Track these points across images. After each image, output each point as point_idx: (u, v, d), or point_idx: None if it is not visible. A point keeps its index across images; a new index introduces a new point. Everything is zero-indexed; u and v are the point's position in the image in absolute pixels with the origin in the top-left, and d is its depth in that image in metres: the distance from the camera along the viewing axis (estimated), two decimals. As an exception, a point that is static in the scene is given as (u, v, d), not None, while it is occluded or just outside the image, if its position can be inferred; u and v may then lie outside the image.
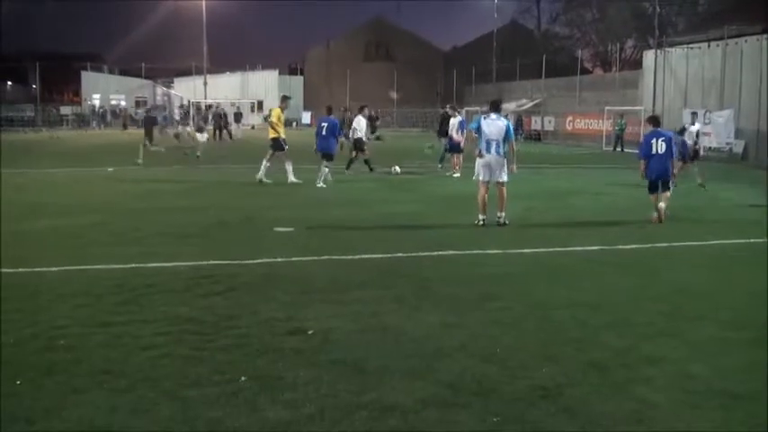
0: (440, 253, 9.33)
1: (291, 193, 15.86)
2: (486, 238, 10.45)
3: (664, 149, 12.08)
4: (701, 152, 19.75)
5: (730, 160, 28.31)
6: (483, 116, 12.04)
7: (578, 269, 8.59)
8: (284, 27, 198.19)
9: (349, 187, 17.10)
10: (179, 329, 5.92)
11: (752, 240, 10.68)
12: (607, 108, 38.44)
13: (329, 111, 18.64)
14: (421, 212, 13.20)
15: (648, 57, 37.85)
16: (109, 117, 59.55)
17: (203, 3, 61.83)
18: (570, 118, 44.08)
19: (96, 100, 63.93)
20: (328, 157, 17.29)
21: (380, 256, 9.12)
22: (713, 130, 29.54)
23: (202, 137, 26.08)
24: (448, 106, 23.72)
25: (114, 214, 12.34)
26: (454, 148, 20.37)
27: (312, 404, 4.46)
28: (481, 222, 11.46)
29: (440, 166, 21.54)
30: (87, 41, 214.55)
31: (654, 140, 12.19)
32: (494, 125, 11.56)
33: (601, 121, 39.56)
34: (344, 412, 4.36)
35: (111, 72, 71.49)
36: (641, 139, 14.11)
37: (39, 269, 8.04)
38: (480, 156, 11.63)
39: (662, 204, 12.06)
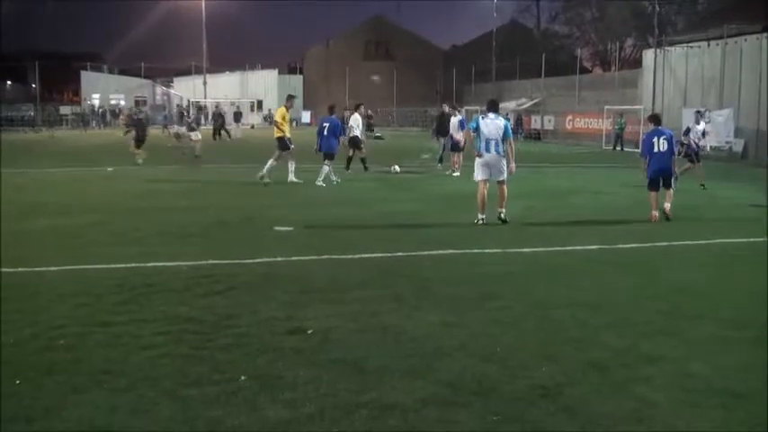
0: (440, 252, 9.33)
1: (291, 193, 15.86)
2: (485, 238, 10.44)
3: (665, 148, 12.11)
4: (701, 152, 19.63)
5: (730, 159, 28.31)
6: (481, 116, 12.04)
7: (578, 268, 8.59)
8: (284, 26, 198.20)
9: (349, 186, 17.09)
10: (179, 329, 5.92)
11: (752, 239, 10.68)
12: (607, 107, 38.42)
13: (331, 110, 18.60)
14: (421, 211, 13.20)
15: (648, 56, 37.85)
16: (108, 117, 59.52)
17: (203, 2, 61.87)
18: (570, 117, 44.06)
19: (96, 99, 63.95)
20: (330, 156, 17.28)
21: (380, 255, 9.12)
22: (713, 129, 29.51)
23: (196, 136, 25.80)
24: (445, 105, 23.70)
25: (114, 214, 12.34)
26: (455, 146, 20.39)
27: (312, 403, 4.46)
28: (481, 221, 11.47)
29: (439, 165, 21.55)
30: (87, 41, 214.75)
31: (655, 139, 12.21)
32: (492, 125, 11.56)
33: (600, 120, 39.54)
34: (344, 411, 4.36)
35: (110, 72, 71.54)
36: (642, 137, 14.09)
37: (38, 269, 8.04)
38: (479, 155, 11.64)
39: (667, 205, 12.10)
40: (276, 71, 70.18)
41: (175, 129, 31.81)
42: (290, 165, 17.49)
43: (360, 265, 8.62)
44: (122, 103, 64.13)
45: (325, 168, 17.10)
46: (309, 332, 5.88)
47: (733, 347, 5.69)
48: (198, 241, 9.97)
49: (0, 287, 7.07)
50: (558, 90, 47.99)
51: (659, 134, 12.29)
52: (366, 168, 20.54)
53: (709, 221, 12.59)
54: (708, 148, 20.70)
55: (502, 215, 11.63)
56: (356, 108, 21.43)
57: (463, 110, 27.26)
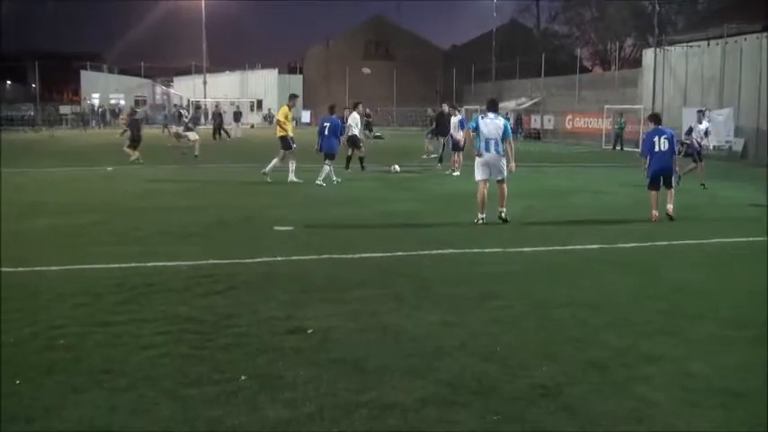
0: (440, 252, 9.33)
1: (291, 192, 15.86)
2: (485, 237, 10.44)
3: (666, 147, 12.13)
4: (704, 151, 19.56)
5: (730, 158, 28.31)
6: (481, 115, 12.05)
7: (578, 268, 8.59)
8: (283, 26, 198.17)
9: (349, 186, 17.09)
10: (179, 329, 5.92)
11: (752, 239, 10.68)
12: (606, 107, 38.42)
13: (331, 110, 18.54)
14: (421, 211, 13.20)
15: (648, 55, 37.84)
16: (108, 116, 59.52)
17: (202, 2, 61.87)
18: (570, 116, 44.05)
19: (96, 99, 63.93)
20: (331, 156, 17.28)
21: (380, 254, 9.12)
22: (713, 128, 29.52)
23: (193, 136, 25.57)
24: (445, 105, 23.70)
25: (114, 213, 12.34)
26: (455, 146, 20.41)
27: (312, 403, 4.46)
28: (481, 221, 11.47)
29: (439, 165, 21.56)
30: (87, 41, 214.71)
31: (656, 138, 12.22)
32: (492, 124, 11.57)
33: (600, 119, 39.54)
34: (344, 411, 4.36)
35: (110, 71, 71.52)
36: (643, 136, 14.09)
37: (38, 268, 8.05)
38: (479, 155, 11.65)
39: (670, 206, 12.13)
40: (276, 71, 70.13)
41: (174, 129, 31.62)
42: (290, 164, 17.49)
43: (360, 264, 8.62)
44: (122, 102, 64.14)
45: (326, 168, 17.10)
46: (309, 332, 5.88)
47: (733, 347, 5.69)
48: (198, 241, 9.97)
49: (0, 287, 7.07)
50: (558, 89, 48.00)
51: (660, 133, 12.29)
52: (363, 168, 20.52)
53: (709, 221, 12.59)
54: (711, 148, 20.62)
55: (503, 215, 11.64)
56: (354, 107, 21.36)
57: (463, 109, 27.30)
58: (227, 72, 70.24)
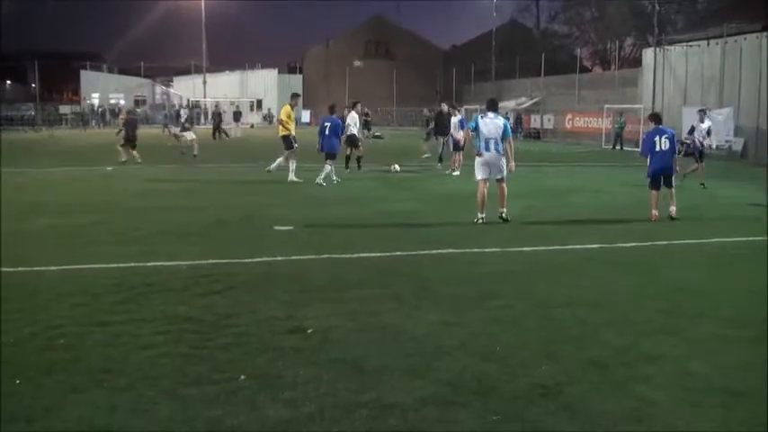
0: (439, 251, 9.32)
1: (291, 192, 15.86)
2: (485, 237, 10.44)
3: (667, 146, 12.15)
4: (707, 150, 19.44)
5: (730, 158, 28.29)
6: (480, 115, 12.05)
7: (578, 267, 8.58)
8: (283, 26, 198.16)
9: (349, 186, 17.09)
10: (178, 328, 5.92)
11: (752, 238, 10.68)
12: (606, 106, 38.42)
13: (332, 110, 18.47)
14: (420, 211, 13.19)
15: (648, 55, 37.84)
16: (108, 116, 59.53)
17: (202, 2, 61.87)
18: (569, 116, 44.06)
19: (95, 99, 63.94)
20: (332, 156, 17.27)
21: (380, 254, 9.12)
22: (712, 127, 29.50)
23: (190, 136, 25.39)
24: (444, 104, 23.70)
25: (114, 213, 12.33)
26: (456, 146, 20.42)
27: (312, 403, 4.45)
28: (481, 221, 11.47)
29: (439, 164, 21.56)
30: (87, 40, 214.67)
31: (657, 138, 12.23)
32: (491, 124, 11.58)
33: (600, 119, 39.55)
34: (344, 411, 4.35)
35: (110, 71, 71.53)
36: (643, 136, 14.10)
37: (38, 268, 8.04)
38: (479, 155, 11.66)
39: (672, 208, 12.17)
40: (276, 71, 70.14)
41: (173, 129, 31.47)
42: (291, 164, 17.50)
43: (359, 264, 8.62)
44: (122, 102, 64.16)
45: (328, 167, 17.09)
46: (309, 331, 5.88)
47: (733, 346, 5.69)
48: (197, 240, 9.97)
49: (0, 286, 7.07)
50: (558, 89, 48.00)
51: (661, 133, 12.30)
52: (360, 167, 20.48)
53: (709, 220, 12.59)
54: (713, 147, 20.53)
55: (503, 215, 11.66)
56: (353, 106, 21.30)
57: (462, 109, 27.30)
58: (227, 72, 70.27)
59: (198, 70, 65.17)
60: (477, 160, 11.72)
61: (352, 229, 11.23)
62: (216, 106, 51.98)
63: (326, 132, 17.29)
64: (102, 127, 55.63)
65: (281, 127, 17.77)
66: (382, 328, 6.02)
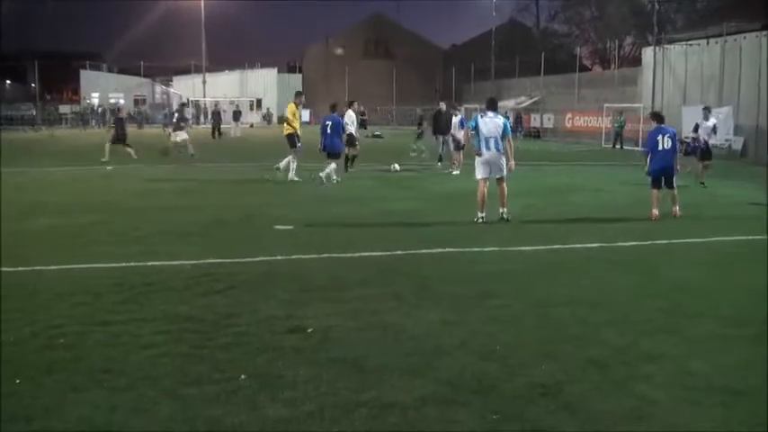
0: (439, 250, 9.32)
1: (291, 191, 15.86)
2: (485, 236, 10.44)
3: (669, 145, 12.18)
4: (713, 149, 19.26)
5: (729, 157, 28.28)
6: (480, 114, 12.06)
7: (578, 266, 8.58)
8: (283, 25, 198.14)
9: (348, 185, 17.09)
10: (179, 328, 5.92)
11: (752, 237, 10.68)
12: (606, 105, 38.43)
13: (333, 108, 18.40)
14: (420, 210, 13.19)
15: (647, 54, 37.85)
16: (108, 115, 59.48)
17: (202, 2, 61.86)
18: (569, 115, 44.08)
19: (95, 98, 63.94)
20: (335, 155, 17.25)
21: (380, 253, 9.12)
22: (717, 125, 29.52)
23: (183, 135, 24.79)
24: (442, 103, 23.71)
25: (114, 213, 12.33)
26: (457, 145, 20.45)
27: (312, 402, 4.46)
28: (481, 220, 11.47)
29: (439, 163, 21.58)
30: (86, 40, 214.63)
31: (660, 137, 12.25)
32: (491, 123, 11.59)
33: (600, 118, 39.55)
34: (344, 410, 4.36)
35: (110, 70, 71.55)
36: (645, 135, 14.12)
37: (38, 268, 8.04)
38: (479, 154, 11.67)
39: (675, 208, 12.19)
40: (275, 70, 70.11)
41: (168, 129, 31.23)
42: (291, 163, 17.50)
43: (359, 263, 8.62)
44: (122, 101, 64.13)
45: (333, 165, 17.11)
46: (309, 331, 5.88)
47: (733, 345, 5.69)
48: (198, 240, 9.97)
49: (0, 286, 7.07)
50: (558, 88, 48.01)
51: (663, 132, 12.33)
52: (352, 166, 20.31)
53: (709, 219, 12.58)
54: (718, 144, 20.38)
55: (504, 215, 11.68)
56: (350, 105, 21.17)
57: (462, 108, 27.35)
58: (227, 71, 70.25)
59: (198, 70, 65.17)
60: (478, 159, 11.73)
61: (352, 229, 11.23)
62: (216, 105, 51.93)
63: (328, 131, 17.25)
64: (102, 126, 55.59)
65: (286, 125, 17.77)
66: (382, 327, 6.03)
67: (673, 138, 12.27)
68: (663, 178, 12.26)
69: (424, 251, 9.28)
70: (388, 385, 4.75)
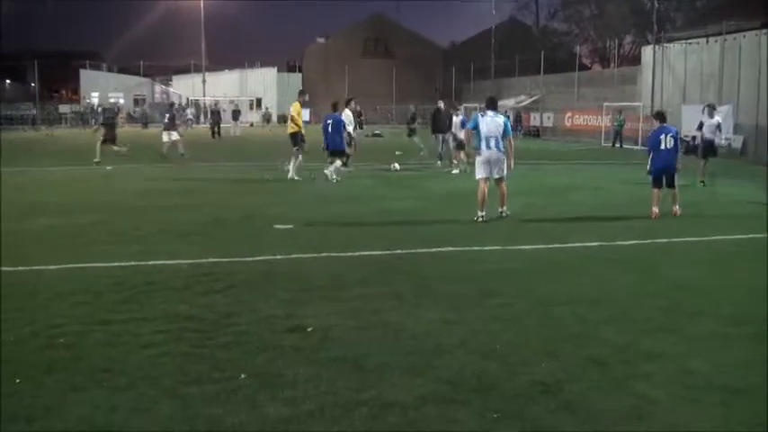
0: (439, 249, 9.33)
1: (291, 191, 15.86)
2: (485, 235, 10.44)
3: (671, 145, 12.20)
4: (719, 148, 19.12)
5: (729, 156, 28.22)
6: (480, 114, 12.06)
7: (578, 265, 8.58)
8: (282, 25, 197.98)
9: (348, 184, 17.09)
10: (179, 327, 5.92)
11: (752, 236, 10.68)
12: (606, 104, 38.42)
13: (334, 107, 18.39)
14: (420, 209, 13.20)
15: (647, 52, 37.85)
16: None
17: (201, 1, 61.85)
18: (569, 114, 44.08)
19: (95, 98, 63.89)
20: (338, 154, 17.25)
21: (380, 252, 9.12)
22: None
23: (169, 136, 24.32)
24: (441, 102, 23.71)
25: (114, 213, 12.33)
26: (459, 145, 20.47)
27: (312, 401, 4.46)
28: (481, 219, 11.47)
29: (439, 162, 21.58)
30: (86, 39, 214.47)
31: (662, 136, 12.26)
32: (492, 122, 11.60)
33: (599, 117, 39.55)
34: (344, 409, 4.36)
35: (109, 70, 71.50)
36: (644, 134, 14.14)
37: (38, 267, 8.04)
38: (479, 154, 11.69)
39: (676, 207, 12.20)
40: (275, 69, 70.09)
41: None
42: (292, 162, 17.51)
43: (359, 262, 8.62)
44: (121, 101, 64.16)
45: (338, 163, 17.13)
46: (309, 330, 5.88)
47: (733, 344, 5.69)
48: (198, 239, 9.97)
49: (0, 286, 7.07)
50: (557, 87, 47.99)
51: (666, 131, 12.35)
52: (346, 166, 20.23)
53: (709, 218, 12.58)
54: (723, 143, 20.21)
55: (503, 214, 11.76)
56: (347, 103, 21.07)
57: (462, 108, 27.35)
58: (227, 71, 70.23)
59: (197, 69, 65.19)
60: (478, 159, 11.74)
61: (352, 228, 11.23)
62: (216, 105, 51.91)
63: (329, 130, 17.28)
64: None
65: (290, 124, 17.79)
66: (382, 326, 6.03)
67: (675, 137, 12.29)
68: (664, 177, 12.27)
69: (424, 250, 9.28)
70: (388, 384, 4.75)
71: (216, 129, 39.77)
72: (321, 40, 68.51)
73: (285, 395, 4.56)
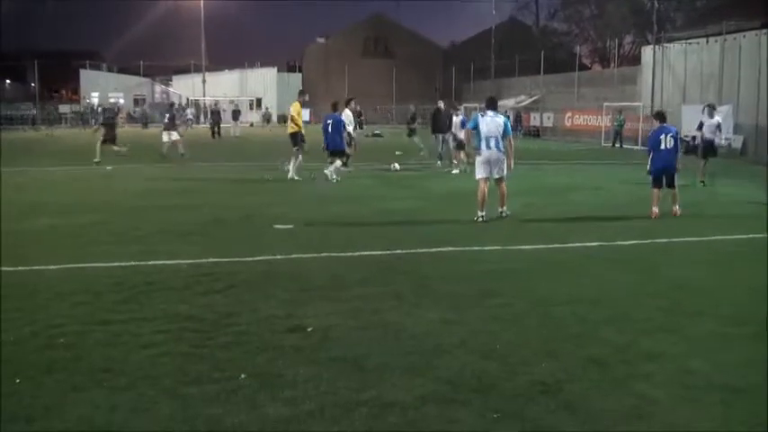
0: (439, 249, 9.33)
1: (290, 191, 15.87)
2: (485, 235, 10.44)
3: (671, 145, 12.22)
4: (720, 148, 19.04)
5: (729, 156, 28.21)
6: (480, 114, 12.07)
7: (578, 265, 8.58)
8: (282, 25, 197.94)
9: (348, 184, 17.08)
10: (179, 327, 5.92)
11: (751, 236, 10.68)
12: (606, 104, 38.42)
13: (334, 107, 18.38)
14: (420, 209, 13.20)
15: (647, 52, 37.85)
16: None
17: (201, 1, 61.84)
18: (569, 114, 44.07)
19: (95, 98, 63.89)
20: (338, 154, 17.24)
21: (380, 252, 9.12)
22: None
23: (169, 136, 24.32)
24: (441, 102, 23.72)
25: (114, 213, 12.33)
26: (460, 145, 20.48)
27: (312, 401, 4.46)
28: (481, 219, 11.47)
29: (439, 162, 21.59)
30: (86, 39, 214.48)
31: (663, 136, 12.27)
32: (492, 122, 11.61)
33: (599, 117, 39.55)
34: (344, 409, 4.36)
35: (109, 70, 71.48)
36: (644, 134, 14.14)
37: (38, 267, 8.04)
38: (479, 153, 11.69)
39: (675, 207, 12.21)
40: (275, 69, 70.08)
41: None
42: (292, 161, 17.52)
43: (359, 262, 8.62)
44: (121, 101, 64.14)
45: (338, 163, 17.14)
46: (309, 330, 5.88)
47: (733, 344, 5.69)
48: (198, 239, 9.97)
49: (0, 285, 7.07)
50: (557, 87, 47.99)
51: (666, 131, 12.36)
52: (346, 167, 20.22)
53: (709, 218, 12.59)
54: (723, 144, 20.12)
55: (503, 213, 11.78)
56: (347, 103, 20.98)
57: (462, 108, 27.39)
58: (227, 70, 70.22)
59: (197, 69, 65.18)
60: (478, 159, 11.75)
61: (352, 228, 11.23)
62: (216, 104, 51.90)
63: (329, 130, 17.28)
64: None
65: (291, 124, 17.80)
66: (382, 326, 6.03)
67: (675, 137, 12.30)
68: (664, 177, 12.27)
69: (424, 250, 9.28)
70: (388, 384, 4.75)
71: (216, 129, 39.76)
72: (321, 39, 68.62)
73: (285, 395, 4.56)
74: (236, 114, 46.16)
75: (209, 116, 47.87)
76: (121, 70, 71.59)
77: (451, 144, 21.03)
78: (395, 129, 54.14)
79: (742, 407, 4.49)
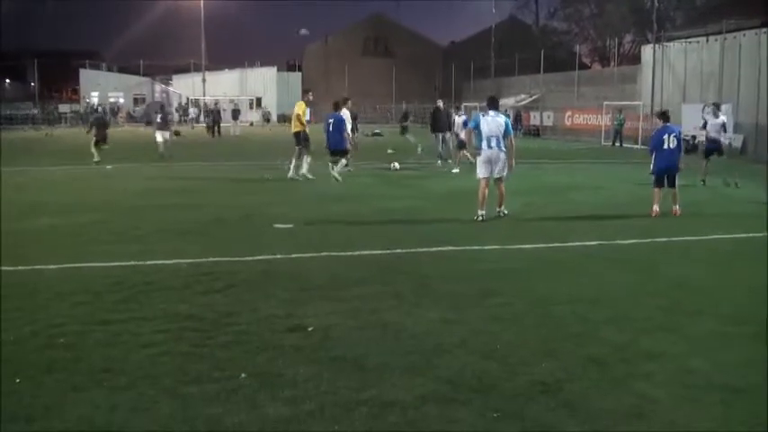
0: (439, 249, 9.32)
1: (290, 190, 15.86)
2: (485, 234, 10.44)
3: (674, 145, 12.22)
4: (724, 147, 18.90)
5: (729, 155, 28.09)
6: (481, 113, 12.07)
7: (578, 264, 8.58)
8: (282, 25, 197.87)
9: (348, 183, 17.07)
10: (179, 327, 5.92)
11: (751, 235, 10.68)
12: (606, 103, 38.41)
13: (336, 106, 18.31)
14: (420, 208, 13.19)
15: (647, 51, 37.83)
16: (108, 115, 59.40)
17: (201, 1, 61.81)
18: (569, 113, 44.05)
19: (95, 97, 63.87)
20: (341, 153, 17.24)
21: (380, 252, 9.12)
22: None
23: (162, 135, 24.20)
24: (440, 101, 23.74)
25: (113, 212, 12.33)
26: (461, 144, 20.50)
27: (312, 401, 4.46)
28: (481, 218, 11.47)
29: (439, 162, 21.60)
30: (86, 39, 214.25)
31: (666, 136, 12.28)
32: (493, 122, 11.61)
33: (599, 116, 39.53)
34: (344, 409, 4.36)
35: (109, 69, 71.44)
36: (644, 133, 14.13)
37: (38, 267, 8.04)
38: (479, 153, 11.71)
39: (676, 207, 12.21)
40: (275, 68, 70.04)
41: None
42: (293, 161, 17.51)
43: (359, 262, 8.62)
44: (121, 100, 64.12)
45: (343, 162, 17.14)
46: (309, 330, 5.88)
47: (733, 343, 5.69)
48: (197, 239, 9.97)
49: (0, 285, 7.07)
50: (557, 86, 47.97)
51: (669, 131, 12.37)
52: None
53: (709, 217, 12.59)
54: (727, 143, 19.94)
55: (501, 213, 11.80)
56: (344, 102, 20.75)
57: (462, 107, 27.51)
58: (227, 70, 70.17)
59: (197, 68, 65.14)
60: (479, 158, 11.77)
61: (352, 227, 11.23)
62: (216, 104, 51.88)
63: (330, 129, 17.27)
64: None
65: (295, 123, 17.79)
66: (382, 325, 6.03)
67: (678, 137, 12.31)
68: (665, 178, 12.28)
69: (423, 249, 9.28)
70: (388, 384, 4.75)
71: (216, 128, 39.76)
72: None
73: (285, 395, 4.56)
74: (235, 114, 46.20)
75: (208, 115, 47.85)
76: (121, 70, 71.54)
77: (451, 144, 21.07)
78: (394, 128, 54.14)
79: (742, 407, 4.49)
